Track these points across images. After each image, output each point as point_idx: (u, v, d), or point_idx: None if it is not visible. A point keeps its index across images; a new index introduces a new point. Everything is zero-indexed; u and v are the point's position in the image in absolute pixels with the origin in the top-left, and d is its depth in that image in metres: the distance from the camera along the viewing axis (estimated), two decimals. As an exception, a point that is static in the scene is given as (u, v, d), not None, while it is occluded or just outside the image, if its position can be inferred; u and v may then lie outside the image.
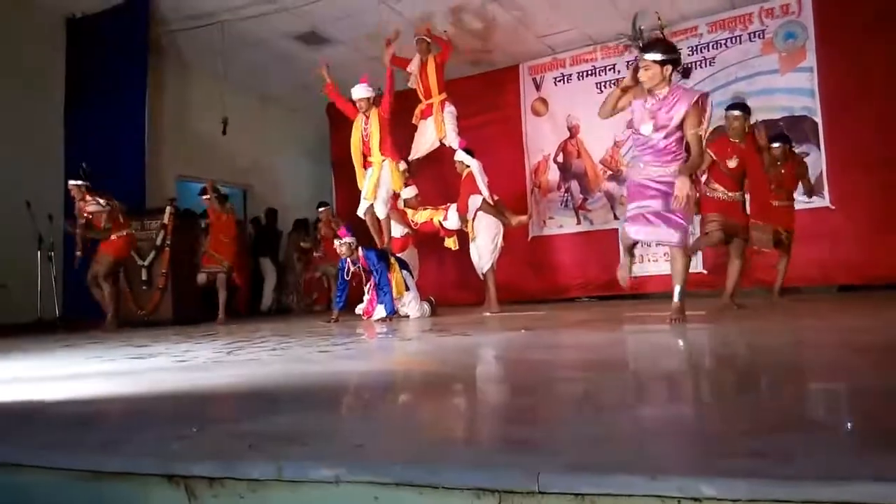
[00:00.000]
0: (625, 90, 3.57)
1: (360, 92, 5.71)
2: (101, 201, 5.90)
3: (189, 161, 7.98)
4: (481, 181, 5.62)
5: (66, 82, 7.03)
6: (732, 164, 4.49)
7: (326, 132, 9.52)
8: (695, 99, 3.36)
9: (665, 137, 3.42)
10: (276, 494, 1.00)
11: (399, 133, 6.64)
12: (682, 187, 3.27)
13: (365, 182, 5.78)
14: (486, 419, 1.42)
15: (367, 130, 5.72)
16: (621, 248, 3.95)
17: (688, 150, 3.45)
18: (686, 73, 3.50)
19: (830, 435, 1.07)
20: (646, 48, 3.46)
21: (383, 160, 5.73)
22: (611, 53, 7.52)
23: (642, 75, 3.42)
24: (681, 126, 3.40)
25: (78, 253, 5.94)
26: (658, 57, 3.36)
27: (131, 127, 6.82)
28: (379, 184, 5.72)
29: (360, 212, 5.89)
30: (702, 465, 0.93)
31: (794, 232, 5.04)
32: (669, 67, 3.38)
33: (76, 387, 2.18)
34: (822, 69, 6.42)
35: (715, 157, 4.52)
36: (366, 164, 5.79)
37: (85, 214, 5.91)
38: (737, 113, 4.58)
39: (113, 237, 6.02)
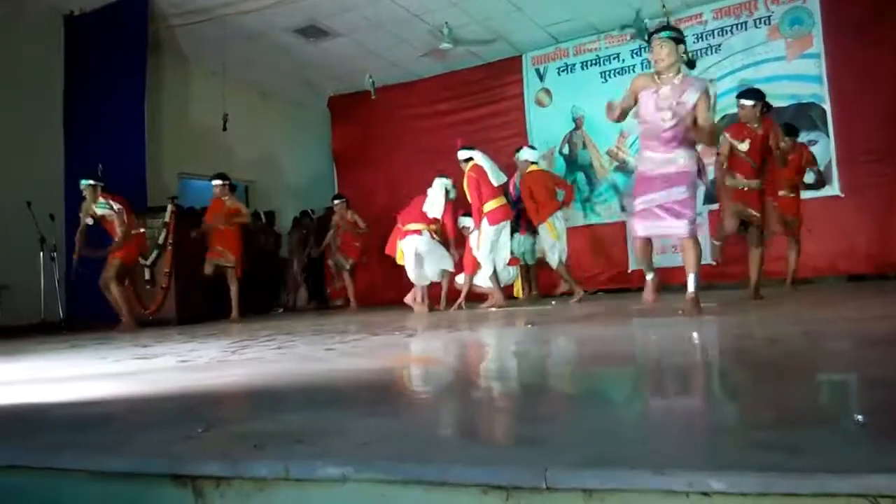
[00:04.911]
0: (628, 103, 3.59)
1: None
2: (114, 205, 5.80)
3: (191, 158, 7.96)
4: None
5: (66, 80, 7.02)
6: (744, 146, 4.45)
7: (328, 125, 9.50)
8: (704, 87, 3.43)
9: (675, 125, 3.42)
10: (282, 494, 1.00)
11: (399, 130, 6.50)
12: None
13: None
14: (493, 415, 1.41)
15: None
16: (644, 266, 3.78)
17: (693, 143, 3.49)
18: (691, 64, 3.49)
19: (841, 427, 1.06)
20: (658, 29, 3.56)
21: None
22: (615, 42, 7.45)
23: (657, 54, 3.41)
24: (690, 113, 3.41)
25: (74, 256, 5.90)
26: (673, 34, 3.43)
27: (131, 124, 6.79)
28: None
29: None
30: (711, 459, 0.92)
31: (801, 220, 5.00)
32: (682, 46, 3.41)
33: (81, 388, 2.18)
34: (829, 55, 6.34)
35: (731, 141, 4.49)
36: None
37: (91, 214, 5.85)
38: (746, 102, 4.53)
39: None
